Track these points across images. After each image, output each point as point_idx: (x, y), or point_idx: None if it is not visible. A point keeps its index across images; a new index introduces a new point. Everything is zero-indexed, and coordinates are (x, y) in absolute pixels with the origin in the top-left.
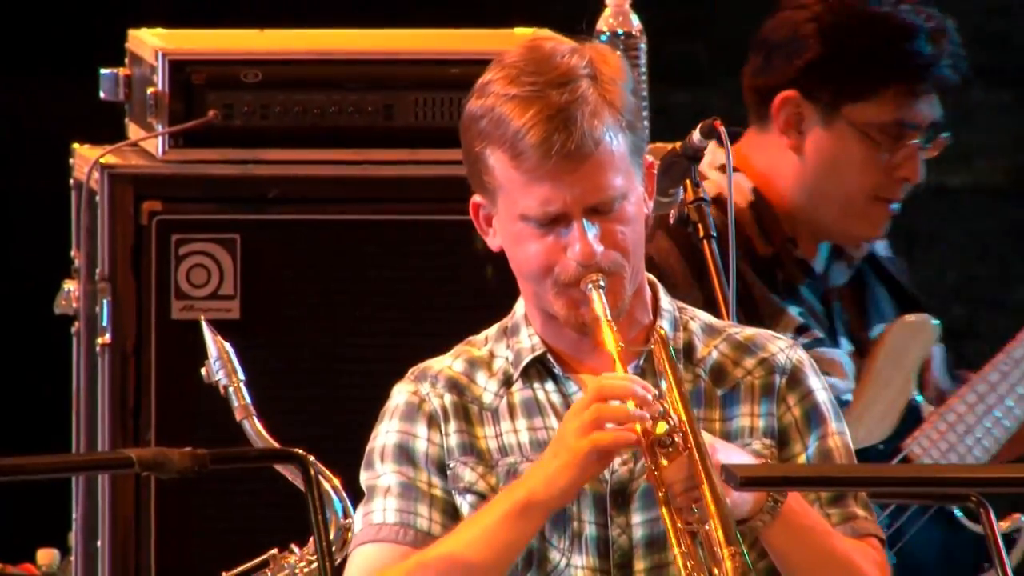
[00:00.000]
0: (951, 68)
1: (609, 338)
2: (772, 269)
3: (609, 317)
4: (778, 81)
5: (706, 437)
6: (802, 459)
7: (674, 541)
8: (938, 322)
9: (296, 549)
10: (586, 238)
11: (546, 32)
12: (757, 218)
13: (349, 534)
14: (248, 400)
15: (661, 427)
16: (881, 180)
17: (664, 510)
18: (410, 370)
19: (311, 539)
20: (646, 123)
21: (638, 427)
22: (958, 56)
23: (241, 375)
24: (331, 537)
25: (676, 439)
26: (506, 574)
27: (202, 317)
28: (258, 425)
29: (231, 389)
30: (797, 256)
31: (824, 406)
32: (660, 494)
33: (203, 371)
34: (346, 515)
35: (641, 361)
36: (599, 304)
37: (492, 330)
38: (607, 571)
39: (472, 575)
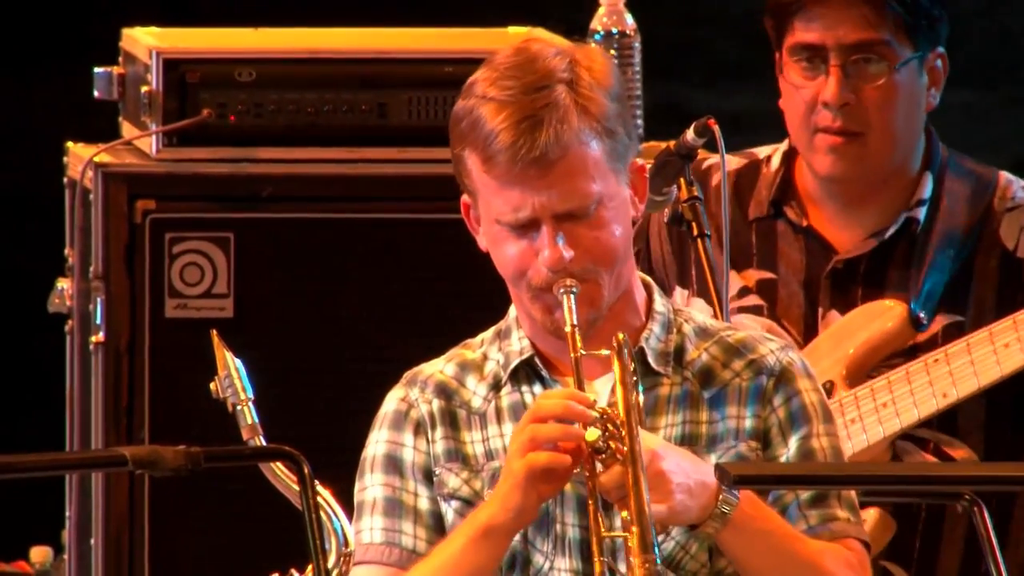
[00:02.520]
0: None
1: (571, 346)
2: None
3: (575, 322)
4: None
5: (655, 443)
6: (783, 460)
7: (596, 549)
8: (902, 309)
9: (296, 574)
10: (555, 244)
11: (540, 32)
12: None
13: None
14: (256, 419)
15: (594, 434)
16: (807, 110)
17: (592, 517)
18: (405, 374)
19: (310, 566)
20: (639, 122)
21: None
22: None
23: (250, 393)
24: (330, 564)
25: (612, 446)
26: None
27: (214, 331)
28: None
29: (239, 407)
30: (790, 219)
31: (811, 407)
32: (591, 502)
33: (212, 387)
34: (347, 543)
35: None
36: (567, 312)
37: (488, 332)
38: (590, 574)
39: None
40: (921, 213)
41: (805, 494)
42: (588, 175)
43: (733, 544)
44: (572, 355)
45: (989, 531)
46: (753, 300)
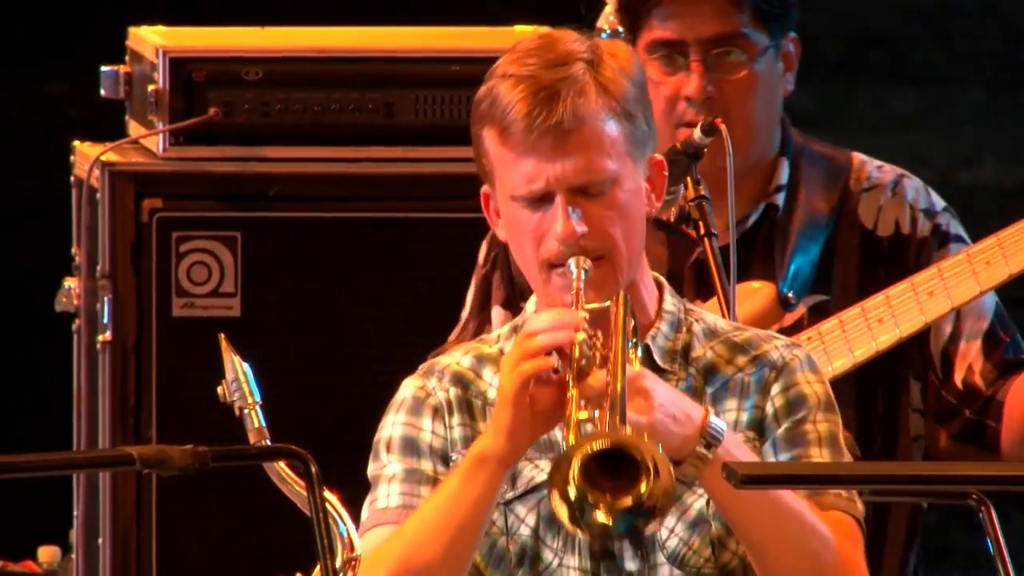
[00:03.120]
0: None
1: (575, 303)
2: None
3: (582, 288)
4: None
5: (640, 368)
6: (771, 442)
7: (569, 428)
8: (770, 290)
9: None
10: (567, 217)
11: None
12: None
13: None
14: (263, 423)
15: (580, 335)
16: (668, 105)
17: (568, 408)
18: (421, 365)
19: (316, 568)
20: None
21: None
22: None
23: (257, 397)
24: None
25: (597, 355)
26: (480, 533)
27: (221, 335)
28: None
29: (247, 411)
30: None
31: (811, 396)
32: (569, 396)
33: (219, 390)
34: (352, 547)
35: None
36: (575, 278)
37: (505, 328)
38: (598, 572)
39: (444, 536)
40: (780, 199)
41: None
42: (604, 151)
43: (718, 489)
44: (576, 311)
45: (996, 530)
46: None
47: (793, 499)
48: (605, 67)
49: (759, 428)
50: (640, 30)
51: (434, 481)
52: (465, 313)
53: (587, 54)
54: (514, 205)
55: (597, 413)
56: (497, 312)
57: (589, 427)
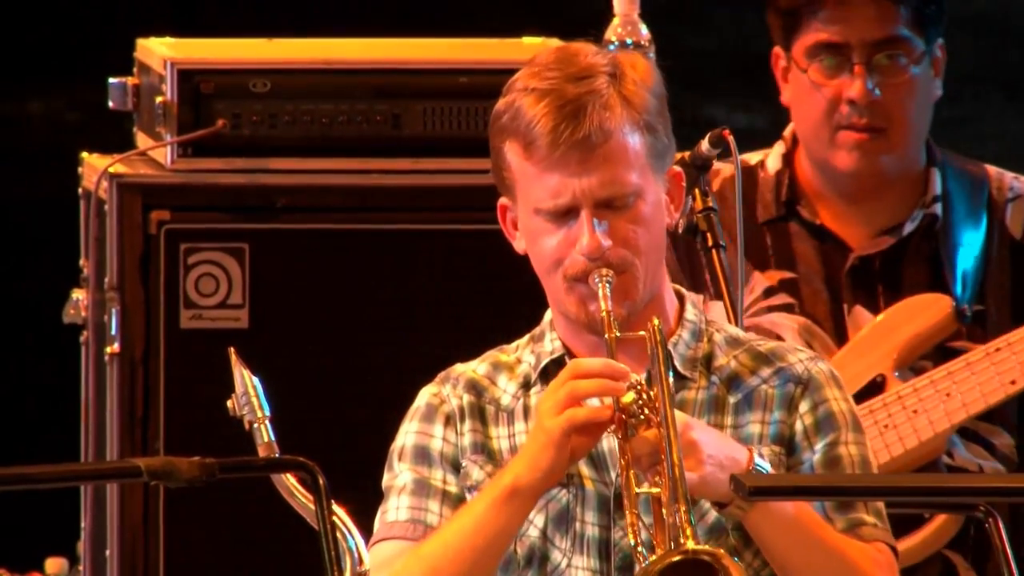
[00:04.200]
0: None
1: (607, 327)
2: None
3: (610, 308)
4: (772, 40)
5: (683, 417)
6: (808, 465)
7: (629, 503)
8: (948, 303)
9: None
10: (593, 231)
11: (556, 43)
12: (770, 183)
13: None
14: (272, 437)
15: (629, 396)
16: (829, 108)
17: (624, 474)
18: (439, 373)
19: None
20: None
21: (616, 401)
22: None
23: (267, 411)
24: None
25: (647, 412)
26: (500, 560)
27: (231, 349)
28: None
29: (256, 425)
30: (804, 218)
31: (839, 415)
32: (623, 460)
33: (229, 404)
34: (361, 561)
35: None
36: (602, 299)
37: (524, 338)
38: (607, 573)
39: (465, 562)
40: (938, 208)
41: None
42: (629, 165)
43: (762, 528)
44: (607, 336)
45: (1004, 542)
46: (783, 298)
47: (836, 538)
48: (627, 80)
49: (786, 443)
50: (800, 32)
51: (443, 493)
52: None
53: (608, 67)
54: (537, 218)
55: (658, 487)
56: None
57: (646, 486)
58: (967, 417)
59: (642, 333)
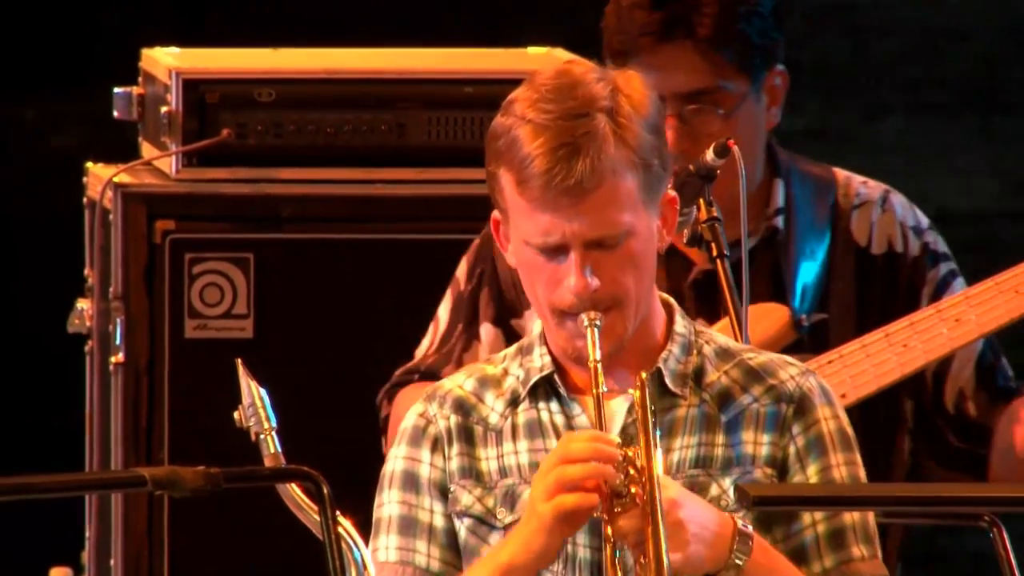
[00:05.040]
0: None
1: (593, 381)
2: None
3: (598, 358)
4: None
5: (675, 491)
6: None
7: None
8: (785, 312)
9: None
10: (582, 274)
11: (560, 53)
12: None
13: None
14: (279, 448)
15: (617, 480)
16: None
17: (608, 550)
18: (425, 388)
19: None
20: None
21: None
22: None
23: (274, 422)
24: None
25: (634, 490)
26: None
27: (238, 360)
28: None
29: (263, 436)
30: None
31: (830, 435)
32: (607, 545)
33: (236, 415)
34: (366, 572)
35: (636, 398)
36: (591, 346)
37: (511, 348)
38: None
39: None
40: (780, 221)
41: (821, 530)
42: (620, 205)
43: None
44: (595, 391)
45: (1008, 552)
46: None
47: None
48: (623, 113)
49: (778, 466)
50: None
51: (430, 529)
52: (442, 328)
53: (607, 100)
54: (528, 249)
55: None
56: (487, 329)
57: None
58: None
59: (631, 392)
